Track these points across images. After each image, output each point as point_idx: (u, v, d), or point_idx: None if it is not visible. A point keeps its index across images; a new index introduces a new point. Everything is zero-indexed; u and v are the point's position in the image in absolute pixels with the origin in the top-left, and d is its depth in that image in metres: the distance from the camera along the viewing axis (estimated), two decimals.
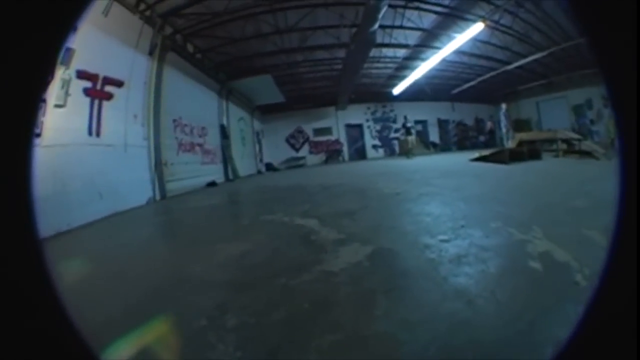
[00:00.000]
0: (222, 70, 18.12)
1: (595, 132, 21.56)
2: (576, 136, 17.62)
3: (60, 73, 7.52)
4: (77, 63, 7.99)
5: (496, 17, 15.88)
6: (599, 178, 8.98)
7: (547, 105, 26.29)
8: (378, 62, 21.22)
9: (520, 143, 18.34)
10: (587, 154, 14.54)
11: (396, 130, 30.76)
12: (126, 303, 3.80)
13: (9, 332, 0.91)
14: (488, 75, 23.11)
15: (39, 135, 6.76)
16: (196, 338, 3.11)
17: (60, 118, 7.45)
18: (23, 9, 0.90)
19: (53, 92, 7.36)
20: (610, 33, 0.95)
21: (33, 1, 0.92)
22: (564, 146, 16.45)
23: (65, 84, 7.67)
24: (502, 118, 28.26)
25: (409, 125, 27.38)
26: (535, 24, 16.75)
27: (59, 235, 6.50)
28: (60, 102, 7.53)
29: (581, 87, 21.65)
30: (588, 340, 0.99)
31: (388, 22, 15.88)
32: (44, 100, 6.38)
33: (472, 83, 24.89)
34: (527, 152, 15.05)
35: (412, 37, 17.88)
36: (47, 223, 6.16)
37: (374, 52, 18.08)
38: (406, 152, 25.36)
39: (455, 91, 27.27)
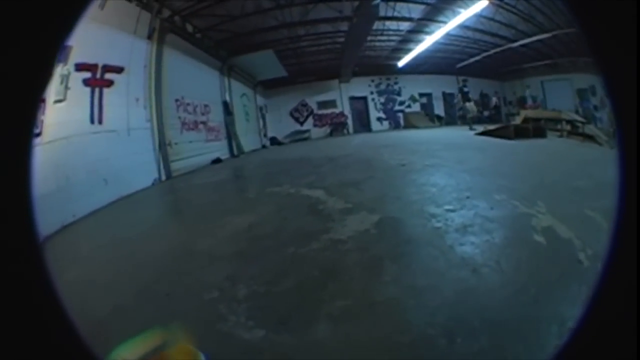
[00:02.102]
0: (223, 48, 17.92)
1: (598, 119, 21.25)
2: (581, 119, 17.44)
3: (58, 70, 7.45)
4: (75, 57, 7.94)
5: None
6: (601, 162, 8.95)
7: (551, 85, 25.85)
8: (382, 34, 20.87)
9: (526, 120, 18.19)
10: (590, 137, 14.40)
11: (401, 103, 30.47)
12: (138, 282, 3.87)
13: (9, 329, 0.91)
14: (492, 51, 22.78)
15: (38, 134, 6.68)
16: (207, 310, 3.18)
17: (61, 112, 7.42)
18: (22, 13, 0.91)
19: (52, 89, 7.30)
20: (608, 30, 0.94)
21: (32, 4, 0.93)
22: (568, 127, 16.29)
23: (64, 79, 7.62)
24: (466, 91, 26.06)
25: (466, 89, 24.15)
26: (539, 6, 16.45)
27: (63, 229, 6.50)
28: (60, 97, 7.50)
29: (585, 73, 21.25)
30: (588, 339, 0.99)
31: None
32: (43, 101, 6.32)
33: (476, 58, 24.54)
34: (532, 129, 14.94)
35: (416, 11, 17.56)
36: (51, 219, 6.20)
37: (377, 25, 17.77)
38: (469, 120, 22.49)
39: (460, 65, 26.94)
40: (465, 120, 23.26)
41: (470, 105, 22.16)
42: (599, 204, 4.87)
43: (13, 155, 0.92)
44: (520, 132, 14.26)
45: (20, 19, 0.90)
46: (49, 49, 0.96)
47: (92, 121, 8.49)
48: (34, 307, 0.94)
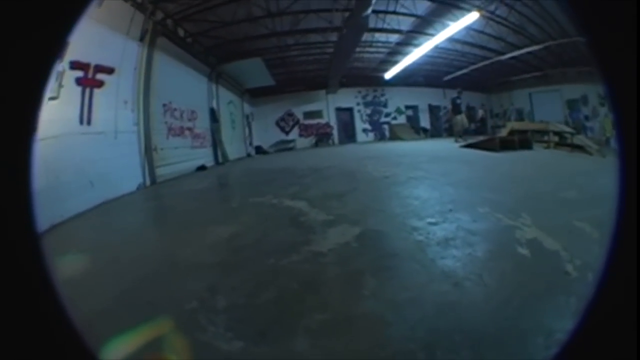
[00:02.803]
0: (212, 54, 17.94)
1: (589, 128, 21.41)
2: (569, 129, 17.58)
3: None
4: (70, 54, 7.89)
5: (492, 7, 15.76)
6: (591, 172, 9.01)
7: (540, 97, 26.09)
8: (370, 46, 21.06)
9: (512, 132, 18.33)
10: (579, 148, 14.52)
11: (387, 115, 30.70)
12: (120, 289, 3.81)
13: (8, 327, 0.91)
14: (481, 64, 22.96)
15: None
16: (187, 320, 3.14)
17: (53, 110, 7.32)
18: (26, 8, 0.90)
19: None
20: (610, 33, 0.95)
21: (35, 3, 0.92)
22: (555, 138, 16.43)
23: (59, 76, 7.56)
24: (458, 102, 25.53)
25: (459, 101, 21.59)
26: (532, 17, 16.63)
27: (52, 229, 6.39)
28: (54, 95, 7.43)
29: (576, 83, 21.41)
30: (588, 339, 1.00)
31: (381, 7, 15.71)
32: (42, 99, 6.26)
33: (464, 71, 24.76)
34: (518, 141, 15.04)
35: (405, 23, 17.71)
36: (42, 217, 6.12)
37: (366, 36, 17.95)
38: (457, 134, 21.49)
39: (447, 78, 27.15)
40: (451, 132, 23.13)
41: (461, 117, 21.84)
42: (588, 214, 4.88)
43: (14, 152, 0.94)
44: (505, 144, 14.37)
45: (23, 14, 0.91)
46: (52, 45, 0.97)
47: (81, 122, 8.41)
48: (33, 304, 0.94)
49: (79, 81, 8.38)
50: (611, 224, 0.97)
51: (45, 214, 6.27)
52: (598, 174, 8.21)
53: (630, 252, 0.93)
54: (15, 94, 0.91)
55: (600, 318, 0.97)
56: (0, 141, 0.91)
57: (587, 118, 21.81)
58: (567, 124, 20.97)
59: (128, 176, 10.19)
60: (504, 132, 19.50)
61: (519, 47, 19.64)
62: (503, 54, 20.75)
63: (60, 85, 7.60)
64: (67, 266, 3.78)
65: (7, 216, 0.91)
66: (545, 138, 16.67)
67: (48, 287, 0.97)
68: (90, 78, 8.72)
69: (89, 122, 8.61)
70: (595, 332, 0.97)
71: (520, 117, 26.59)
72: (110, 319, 3.16)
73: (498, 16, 16.54)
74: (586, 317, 1.01)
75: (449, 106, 23.60)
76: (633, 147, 0.93)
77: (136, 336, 2.64)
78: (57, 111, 7.43)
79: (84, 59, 8.44)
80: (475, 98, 31.71)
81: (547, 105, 25.14)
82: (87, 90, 8.63)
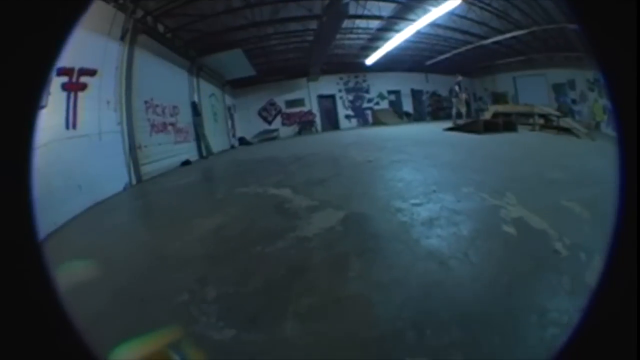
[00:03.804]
0: (192, 48, 17.76)
1: (577, 112, 21.43)
2: (555, 112, 17.61)
3: None
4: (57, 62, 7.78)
5: None
6: (579, 154, 9.07)
7: (524, 81, 25.97)
8: (351, 33, 20.92)
9: (496, 115, 18.35)
10: (567, 130, 14.57)
11: (369, 100, 30.65)
12: (113, 287, 3.81)
13: (10, 331, 0.91)
14: (464, 49, 22.94)
15: None
16: (179, 313, 3.15)
17: (43, 118, 7.23)
18: (23, 15, 0.90)
19: None
20: (606, 22, 0.94)
21: (32, 7, 0.92)
22: (541, 121, 16.47)
23: (48, 84, 7.47)
24: (457, 89, 26.08)
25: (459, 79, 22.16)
26: (515, 3, 16.59)
27: (49, 237, 6.32)
28: (43, 103, 7.35)
29: (563, 68, 21.38)
30: (588, 339, 0.99)
31: None
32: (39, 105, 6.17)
33: (446, 55, 24.72)
34: (502, 123, 15.09)
35: (386, 9, 17.64)
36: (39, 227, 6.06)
37: (346, 23, 17.83)
38: (456, 115, 21.48)
39: (429, 62, 27.13)
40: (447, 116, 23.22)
41: (455, 101, 22.05)
42: (577, 195, 4.93)
43: (14, 159, 0.96)
44: (490, 127, 14.43)
45: (20, 21, 0.93)
46: (50, 51, 1.00)
47: (67, 126, 8.28)
48: (34, 307, 0.94)
49: (64, 86, 8.28)
50: (610, 224, 0.97)
51: (41, 224, 6.21)
52: (586, 156, 8.28)
53: (631, 251, 0.94)
54: (14, 101, 0.91)
55: (600, 318, 0.98)
56: (1, 149, 0.91)
57: (574, 102, 21.84)
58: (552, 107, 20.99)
59: (114, 177, 10.06)
60: (487, 115, 19.55)
61: (502, 32, 19.60)
62: (486, 38, 20.72)
63: (48, 93, 7.50)
64: (68, 274, 3.78)
65: (8, 224, 0.92)
66: (531, 121, 16.72)
67: (50, 294, 0.98)
68: (74, 82, 8.61)
69: (74, 126, 8.49)
70: (595, 332, 0.98)
71: (496, 101, 26.51)
72: (107, 319, 3.17)
73: (480, 1, 16.47)
74: (586, 317, 1.01)
75: (457, 90, 23.67)
76: (632, 137, 0.93)
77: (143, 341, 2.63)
78: (45, 119, 7.33)
79: (68, 64, 8.35)
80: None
81: (532, 89, 25.16)
82: (72, 95, 8.52)
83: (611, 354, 0.96)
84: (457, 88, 21.59)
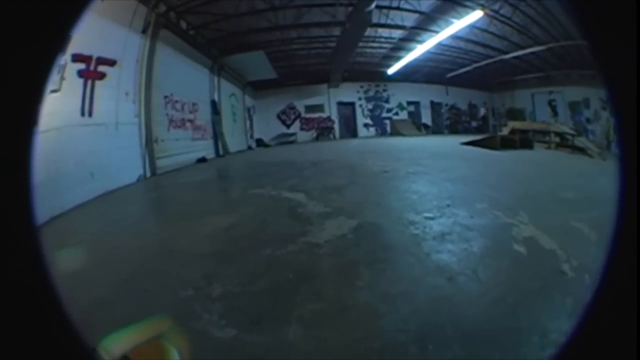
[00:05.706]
0: (214, 46, 17.89)
1: (590, 131, 21.25)
2: (570, 131, 17.49)
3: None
4: (73, 47, 7.86)
5: (496, 6, 15.68)
6: (591, 174, 8.99)
7: (542, 98, 25.98)
8: (373, 41, 20.95)
9: (513, 131, 18.27)
10: (580, 150, 14.48)
11: (388, 110, 30.62)
12: (118, 278, 3.84)
13: (7, 322, 0.91)
14: (484, 63, 22.87)
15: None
16: (182, 308, 3.16)
17: (55, 102, 7.30)
18: (28, 5, 0.90)
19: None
20: (610, 36, 0.94)
21: (36, 2, 0.92)
22: (557, 139, 16.38)
23: (61, 69, 7.55)
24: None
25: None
26: (536, 18, 16.55)
27: (52, 220, 6.36)
28: (56, 87, 7.40)
29: (579, 86, 21.23)
30: (588, 339, 0.99)
31: (385, 3, 15.67)
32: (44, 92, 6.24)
33: (467, 68, 24.64)
34: (519, 140, 15.00)
35: (409, 19, 17.65)
36: (42, 209, 6.12)
37: (369, 31, 17.84)
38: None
39: (449, 75, 27.05)
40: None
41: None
42: (586, 216, 4.88)
43: (14, 145, 0.95)
44: (506, 143, 14.35)
45: (27, 9, 0.91)
46: (54, 39, 0.97)
47: (82, 113, 8.38)
48: (31, 299, 0.94)
49: (80, 73, 8.35)
50: (610, 226, 0.97)
51: (45, 206, 6.28)
52: (598, 176, 8.19)
53: (630, 252, 0.93)
54: (17, 87, 0.92)
55: (599, 318, 0.97)
56: (1, 134, 0.92)
57: (588, 120, 21.67)
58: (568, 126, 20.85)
59: (128, 167, 10.18)
60: (505, 131, 19.46)
61: (522, 47, 19.52)
62: (506, 53, 20.64)
63: (62, 78, 7.57)
64: (67, 257, 3.81)
65: (6, 209, 0.92)
66: (547, 139, 16.62)
67: (46, 279, 0.97)
68: (92, 70, 8.70)
69: (90, 114, 8.59)
70: (595, 332, 0.97)
71: (511, 117, 26.37)
72: (108, 307, 3.19)
73: (502, 15, 16.44)
74: (586, 317, 1.00)
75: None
76: (633, 150, 0.92)
77: (132, 331, 2.64)
78: (58, 103, 7.42)
79: (86, 51, 8.42)
80: (477, 96, 31.67)
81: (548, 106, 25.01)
82: (89, 82, 8.61)
83: (611, 354, 0.95)
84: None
